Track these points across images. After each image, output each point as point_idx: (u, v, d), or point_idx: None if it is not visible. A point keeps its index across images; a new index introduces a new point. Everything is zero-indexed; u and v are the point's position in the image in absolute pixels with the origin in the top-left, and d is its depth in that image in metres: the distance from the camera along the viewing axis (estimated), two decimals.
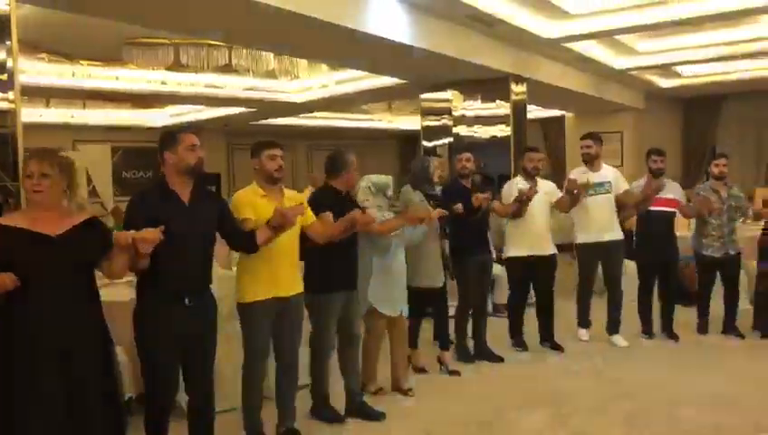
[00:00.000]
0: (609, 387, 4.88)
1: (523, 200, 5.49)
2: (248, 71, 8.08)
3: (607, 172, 6.04)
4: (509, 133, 8.70)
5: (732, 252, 6.08)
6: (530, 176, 5.75)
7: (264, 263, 3.70)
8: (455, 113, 8.96)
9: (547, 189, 5.83)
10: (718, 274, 6.22)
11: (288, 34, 6.17)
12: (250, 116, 12.58)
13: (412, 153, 9.56)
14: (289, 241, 3.77)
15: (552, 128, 14.06)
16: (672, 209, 6.08)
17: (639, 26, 7.35)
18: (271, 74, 8.48)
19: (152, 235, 2.90)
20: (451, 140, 8.94)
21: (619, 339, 6.02)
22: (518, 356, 5.74)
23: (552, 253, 5.77)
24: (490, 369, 5.42)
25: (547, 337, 5.93)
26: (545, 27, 7.56)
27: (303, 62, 8.01)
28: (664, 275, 6.14)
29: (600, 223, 5.91)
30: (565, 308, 6.32)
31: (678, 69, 10.54)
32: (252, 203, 3.72)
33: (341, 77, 9.72)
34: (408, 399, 4.72)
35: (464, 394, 4.83)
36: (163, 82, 9.69)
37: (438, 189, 5.28)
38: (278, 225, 3.52)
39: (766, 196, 7.28)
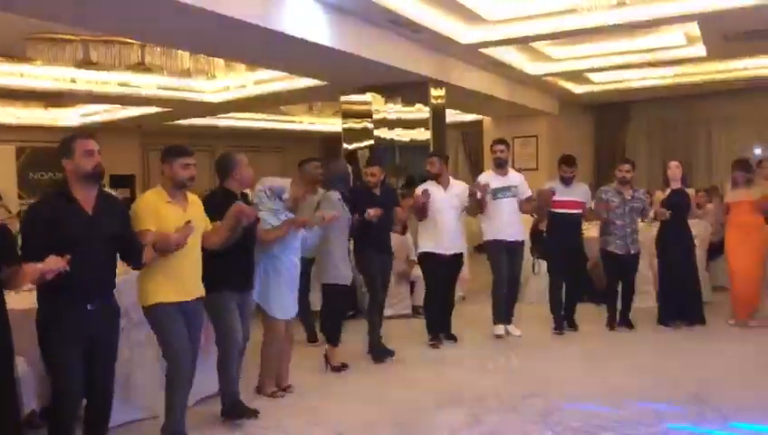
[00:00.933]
0: (524, 384, 4.98)
1: (419, 207, 5.85)
2: (162, 69, 7.84)
3: (514, 177, 6.34)
4: (428, 137, 8.80)
5: (633, 251, 6.44)
6: (431, 179, 6.03)
7: (166, 265, 3.65)
8: (375, 116, 8.98)
9: (457, 191, 6.07)
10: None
11: (203, 33, 6.04)
12: (165, 116, 12.23)
13: (335, 155, 9.53)
14: (191, 243, 3.67)
15: (471, 132, 14.32)
16: (578, 211, 6.45)
17: (551, 33, 7.60)
18: (186, 73, 8.27)
19: (56, 264, 2.93)
20: (372, 142, 8.96)
21: (513, 328, 6.41)
22: (434, 354, 5.81)
23: (459, 252, 6.04)
24: (405, 369, 5.45)
25: (443, 329, 6.24)
26: (463, 33, 7.70)
27: (220, 62, 7.85)
28: (570, 272, 6.51)
29: (506, 225, 6.17)
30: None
31: (590, 75, 10.94)
32: (156, 210, 3.67)
33: (260, 77, 9.59)
34: (323, 399, 4.70)
35: (379, 395, 4.84)
36: (72, 80, 9.30)
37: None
38: (162, 250, 3.53)
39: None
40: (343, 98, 9.19)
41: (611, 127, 13.70)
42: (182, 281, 3.73)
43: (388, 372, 5.39)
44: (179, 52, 7.40)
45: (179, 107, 11.11)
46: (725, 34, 7.87)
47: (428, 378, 5.25)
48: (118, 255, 3.48)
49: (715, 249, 7.67)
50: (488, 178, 6.23)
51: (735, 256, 6.53)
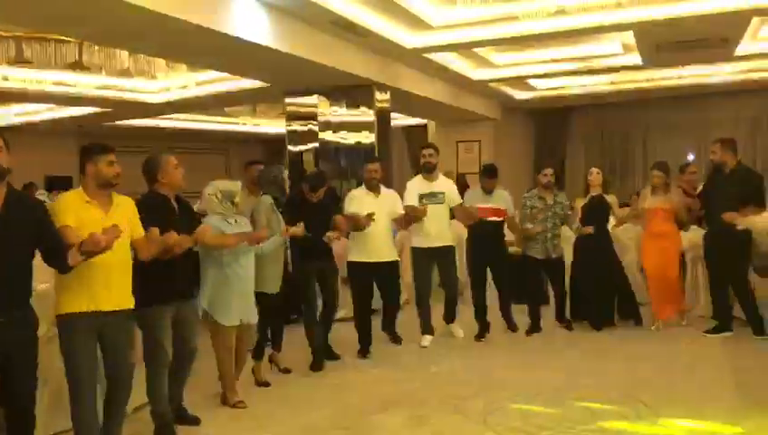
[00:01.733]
0: (466, 385, 5.04)
1: (362, 223, 5.59)
2: (101, 69, 7.65)
3: (442, 183, 6.26)
4: (373, 140, 8.83)
5: (554, 255, 6.46)
6: (369, 186, 5.91)
7: (84, 273, 3.32)
8: (320, 118, 8.96)
9: (389, 198, 6.00)
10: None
11: (142, 33, 5.91)
12: (105, 116, 11.92)
13: (279, 157, 9.46)
14: (115, 251, 3.33)
15: (416, 136, 14.41)
16: (498, 219, 6.41)
17: (493, 40, 7.75)
18: (126, 73, 8.09)
19: None
20: (317, 145, 8.94)
21: (456, 329, 6.45)
22: (378, 357, 5.82)
23: (387, 260, 5.87)
24: (349, 372, 5.45)
25: (393, 338, 6.25)
26: (408, 38, 7.76)
27: (161, 62, 7.71)
28: (493, 276, 6.53)
29: (434, 231, 6.08)
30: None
31: (531, 82, 11.17)
32: (75, 210, 3.39)
33: (203, 78, 9.45)
34: (265, 404, 4.66)
35: (322, 400, 4.82)
36: (5, 78, 8.97)
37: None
38: (89, 251, 3.17)
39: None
40: (288, 100, 9.13)
41: (552, 132, 13.99)
42: (102, 290, 3.41)
43: (332, 376, 5.37)
44: (119, 51, 7.24)
45: (120, 107, 10.85)
46: (658, 44, 8.16)
47: (372, 381, 5.25)
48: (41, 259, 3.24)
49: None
50: (417, 184, 6.19)
51: (650, 262, 6.57)
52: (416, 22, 7.33)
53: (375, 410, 4.55)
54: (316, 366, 5.44)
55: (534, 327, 6.59)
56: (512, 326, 6.65)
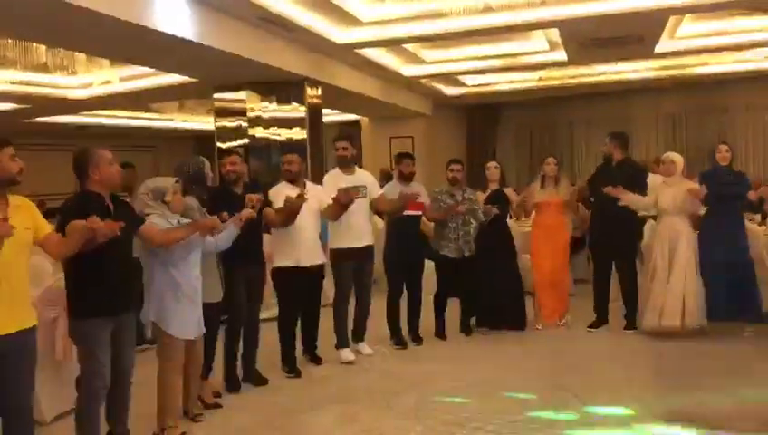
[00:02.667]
0: (397, 382, 5.06)
1: (291, 211, 5.00)
2: (16, 63, 7.31)
3: (362, 176, 5.82)
4: (305, 136, 8.75)
5: (467, 253, 6.22)
6: (288, 180, 5.35)
7: None
8: (250, 114, 8.81)
9: (315, 193, 5.36)
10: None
11: (61, 26, 5.67)
12: (23, 113, 11.40)
13: (211, 153, 9.24)
14: (8, 259, 2.98)
15: (350, 132, 14.37)
16: (418, 212, 6.09)
17: (422, 36, 7.79)
18: (44, 68, 7.76)
19: None
20: (247, 141, 8.80)
21: (364, 347, 5.84)
22: (300, 359, 5.60)
23: (317, 263, 5.34)
24: (280, 372, 5.33)
25: (308, 350, 5.67)
26: (338, 33, 7.72)
27: (82, 57, 7.43)
28: (410, 275, 6.09)
29: (355, 230, 5.60)
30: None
31: (461, 78, 11.30)
32: None
33: (127, 73, 9.15)
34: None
35: (252, 399, 4.77)
36: None
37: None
38: None
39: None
40: (216, 95, 8.94)
41: (482, 128, 14.20)
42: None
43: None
44: (35, 45, 6.94)
45: (38, 103, 10.39)
46: (582, 41, 8.38)
47: (303, 380, 5.22)
48: None
49: (577, 244, 8.11)
50: (335, 178, 5.63)
51: (540, 258, 6.56)
52: (345, 17, 7.30)
53: (305, 409, 4.53)
54: (231, 389, 4.92)
55: (465, 328, 6.49)
56: (417, 339, 6.19)
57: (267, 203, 5.05)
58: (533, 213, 6.78)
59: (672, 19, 7.71)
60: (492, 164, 6.66)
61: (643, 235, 6.96)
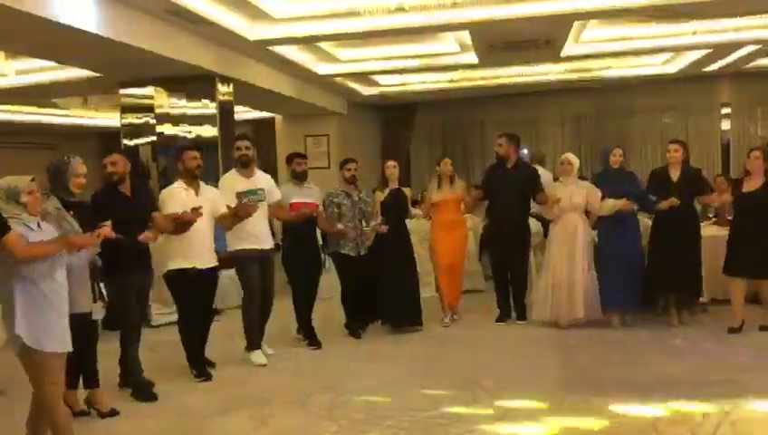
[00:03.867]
0: (310, 382, 5.03)
1: (187, 218, 4.86)
2: None
3: (261, 178, 5.70)
4: (216, 134, 8.56)
5: (362, 252, 6.32)
6: (191, 177, 5.21)
7: None
8: (158, 111, 8.53)
9: (211, 195, 5.26)
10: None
11: None
12: None
13: (117, 151, 8.86)
14: None
15: (264, 130, 14.17)
16: (313, 213, 6.05)
17: (335, 35, 7.75)
18: None
19: None
20: (155, 138, 8.51)
21: (265, 348, 5.72)
22: (220, 358, 5.58)
23: (213, 265, 5.23)
24: (189, 377, 5.21)
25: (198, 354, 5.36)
26: (250, 29, 7.58)
27: None
28: (309, 274, 6.15)
29: (255, 232, 5.50)
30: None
31: (376, 77, 11.34)
32: None
33: (24, 66, 8.66)
34: (95, 423, 4.39)
35: (161, 405, 4.63)
36: None
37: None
38: None
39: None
40: (122, 91, 8.61)
41: (397, 128, 14.29)
42: None
43: (171, 381, 5.14)
44: None
45: None
46: (491, 44, 8.56)
47: (214, 383, 5.11)
48: None
49: (487, 242, 8.29)
50: (232, 180, 5.54)
51: (442, 254, 6.79)
52: (257, 13, 7.16)
53: (215, 413, 4.43)
54: (140, 396, 4.74)
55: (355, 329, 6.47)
56: (314, 342, 6.14)
57: (155, 207, 4.93)
58: (433, 211, 6.99)
59: (577, 24, 7.99)
60: (391, 163, 6.77)
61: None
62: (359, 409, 4.44)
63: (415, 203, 7.90)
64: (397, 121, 14.27)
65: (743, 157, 12.16)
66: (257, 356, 5.57)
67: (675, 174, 6.32)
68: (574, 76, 11.50)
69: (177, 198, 5.01)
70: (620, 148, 6.63)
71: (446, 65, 10.07)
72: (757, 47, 9.64)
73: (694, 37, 8.88)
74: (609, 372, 5.03)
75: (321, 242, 6.95)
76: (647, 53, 10.22)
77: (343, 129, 12.85)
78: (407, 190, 6.82)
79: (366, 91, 12.22)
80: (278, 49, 8.53)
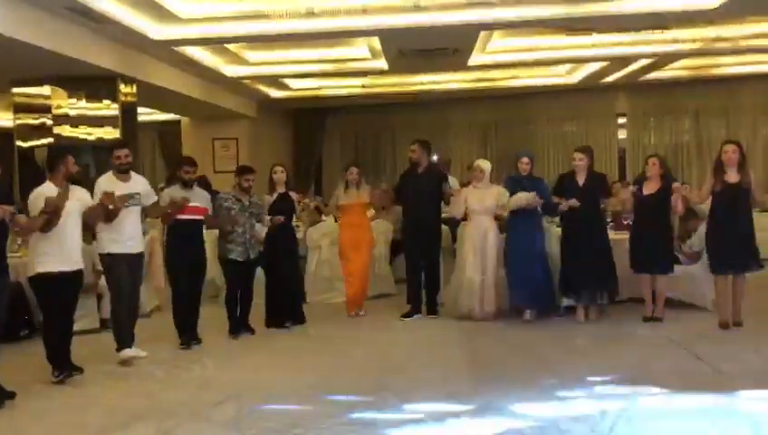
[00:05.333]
0: (217, 392, 4.90)
1: (48, 213, 4.77)
2: None
3: (138, 183, 5.71)
4: (118, 135, 8.24)
5: (252, 256, 6.41)
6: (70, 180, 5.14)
7: None
8: (56, 111, 8.14)
9: (78, 196, 5.17)
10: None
11: None
12: None
13: (10, 153, 8.39)
14: None
15: (169, 132, 13.77)
16: (200, 217, 6.11)
17: (243, 36, 7.67)
18: None
19: None
20: (52, 140, 8.11)
21: (138, 351, 5.67)
22: (124, 370, 5.44)
23: (80, 268, 5.18)
24: (92, 387, 5.03)
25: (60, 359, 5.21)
26: (153, 29, 7.36)
27: None
28: (193, 277, 6.12)
29: (128, 236, 5.54)
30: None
31: (287, 81, 11.25)
32: None
33: None
34: None
35: (63, 419, 4.40)
36: None
37: None
38: None
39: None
40: (15, 90, 8.18)
41: (309, 132, 14.25)
42: None
43: (73, 393, 4.91)
44: None
45: None
46: (401, 51, 8.68)
47: (117, 395, 4.90)
48: None
49: (399, 247, 8.37)
50: (108, 183, 5.50)
51: (350, 256, 7.13)
52: (162, 13, 6.97)
53: (117, 427, 4.23)
54: None
55: (237, 329, 6.47)
56: (195, 339, 6.18)
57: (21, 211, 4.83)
58: (340, 214, 7.31)
59: (483, 34, 8.21)
60: (278, 168, 6.87)
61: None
62: (266, 417, 4.35)
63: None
64: (308, 125, 14.23)
65: (637, 164, 13.18)
66: (126, 352, 5.57)
67: (581, 179, 6.68)
68: (481, 85, 11.81)
69: (43, 198, 4.80)
70: (528, 156, 6.92)
71: (358, 70, 10.12)
72: (650, 60, 10.22)
73: (593, 50, 9.33)
74: (515, 373, 5.17)
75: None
76: (549, 64, 10.63)
77: (253, 132, 12.67)
78: (293, 194, 6.97)
79: (276, 94, 12.10)
80: (184, 50, 8.34)
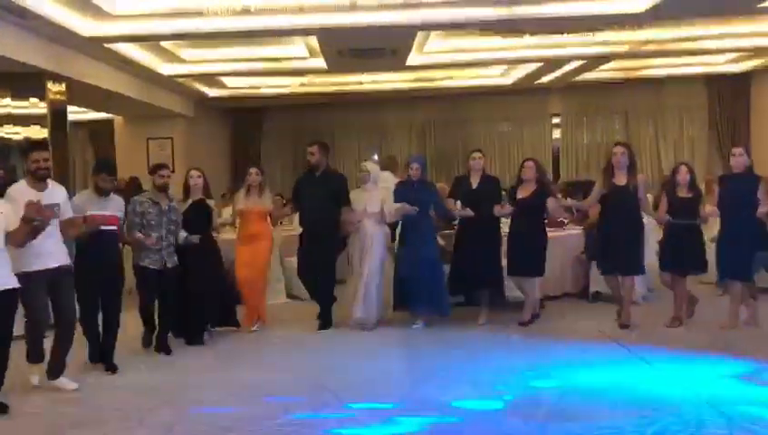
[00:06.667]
0: (151, 397, 4.81)
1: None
2: None
3: (55, 193, 5.00)
4: (46, 135, 7.96)
5: (170, 265, 5.93)
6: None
7: None
8: None
9: (14, 196, 4.74)
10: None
11: None
12: None
13: None
14: None
15: (102, 132, 13.37)
16: (113, 227, 5.51)
17: (177, 34, 7.52)
18: None
19: None
20: None
21: (67, 382, 5.06)
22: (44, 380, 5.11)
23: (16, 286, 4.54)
24: (31, 395, 4.88)
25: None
26: (84, 25, 7.14)
27: None
28: (105, 291, 5.52)
29: (46, 251, 4.83)
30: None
31: (223, 79, 11.09)
32: None
33: None
34: None
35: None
36: None
37: None
38: None
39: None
40: None
41: (247, 132, 14.08)
42: None
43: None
44: None
45: None
46: (340, 50, 8.67)
47: (47, 404, 4.76)
48: None
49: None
50: (21, 193, 4.78)
51: (241, 262, 6.73)
52: (92, 9, 6.76)
53: (59, 431, 4.12)
54: None
55: (147, 342, 6.19)
56: (110, 367, 5.53)
57: None
58: (238, 220, 6.94)
59: (420, 35, 8.28)
60: (195, 173, 6.44)
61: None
62: (202, 421, 4.31)
63: None
64: (246, 125, 14.07)
65: (571, 162, 13.53)
66: (33, 378, 5.07)
67: (475, 181, 6.79)
68: (419, 85, 11.90)
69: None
70: (418, 162, 6.89)
71: (296, 69, 10.06)
72: (582, 62, 10.51)
73: (527, 51, 9.53)
74: (450, 370, 5.25)
75: None
76: (485, 65, 10.79)
77: (189, 131, 12.43)
78: (210, 202, 6.52)
79: (212, 93, 11.91)
80: (117, 47, 8.13)
